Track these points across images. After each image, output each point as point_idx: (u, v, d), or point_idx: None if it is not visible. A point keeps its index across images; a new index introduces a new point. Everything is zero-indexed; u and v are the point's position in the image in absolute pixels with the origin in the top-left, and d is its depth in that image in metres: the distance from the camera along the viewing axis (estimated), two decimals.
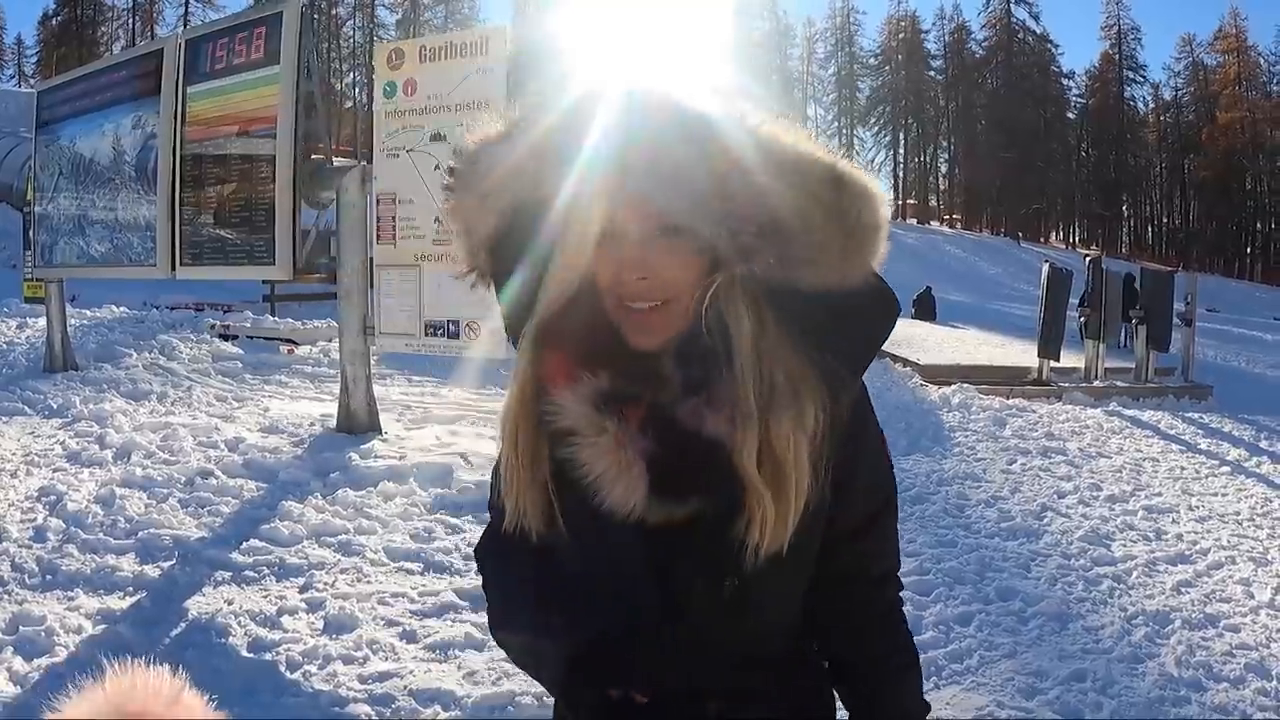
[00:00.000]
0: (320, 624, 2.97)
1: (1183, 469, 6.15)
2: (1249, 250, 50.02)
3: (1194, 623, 3.48)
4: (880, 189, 0.81)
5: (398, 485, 4.35)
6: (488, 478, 3.77)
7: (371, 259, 5.08)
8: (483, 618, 3.11)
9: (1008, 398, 8.09)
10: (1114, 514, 4.89)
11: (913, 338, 11.50)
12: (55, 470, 4.50)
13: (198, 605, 3.09)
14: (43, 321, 7.08)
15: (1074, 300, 9.78)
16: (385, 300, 4.98)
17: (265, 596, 3.18)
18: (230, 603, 3.11)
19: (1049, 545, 4.32)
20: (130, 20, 46.20)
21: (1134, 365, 9.86)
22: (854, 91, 53.61)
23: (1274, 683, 3.02)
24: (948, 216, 52.81)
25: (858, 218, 0.78)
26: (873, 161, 53.57)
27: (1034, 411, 7.63)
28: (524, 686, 2.62)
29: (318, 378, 7.39)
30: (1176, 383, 9.70)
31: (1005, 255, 41.42)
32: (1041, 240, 51.03)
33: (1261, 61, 49.34)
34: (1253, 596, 3.82)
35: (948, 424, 7.02)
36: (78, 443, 4.96)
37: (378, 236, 4.98)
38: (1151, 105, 52.52)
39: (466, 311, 4.77)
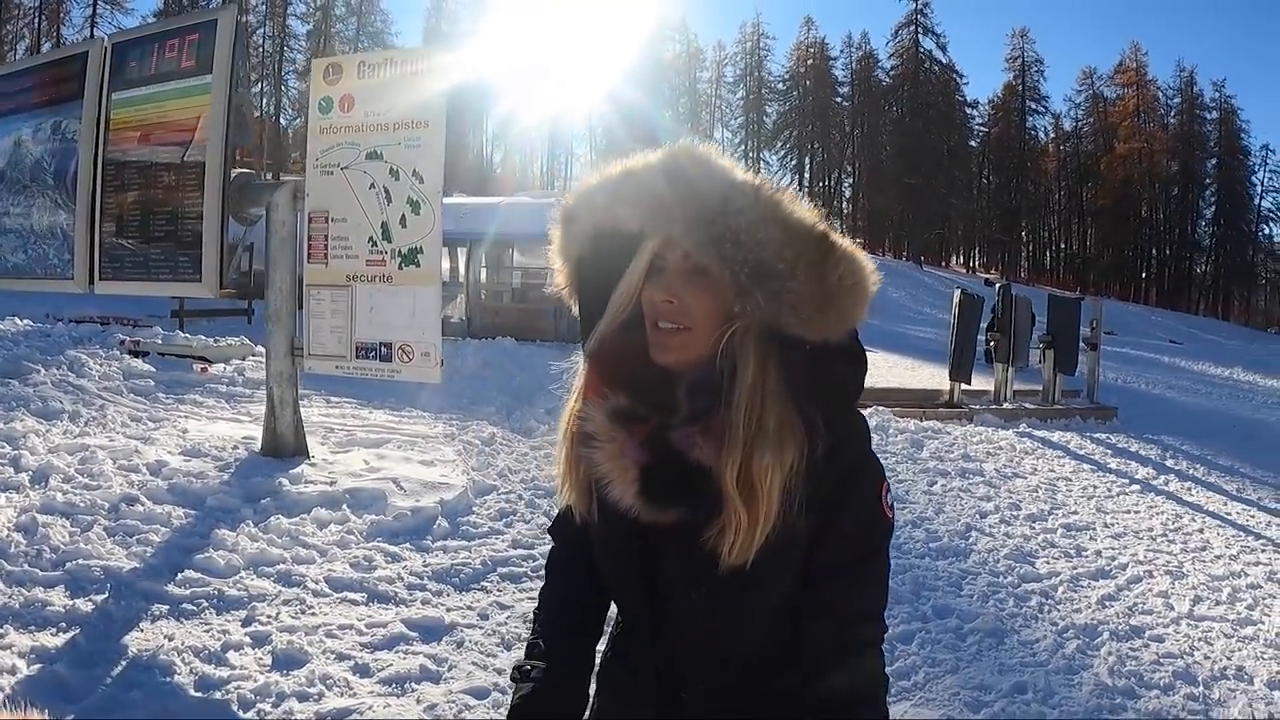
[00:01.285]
0: (269, 659, 2.97)
1: (1095, 488, 6.66)
2: (1144, 275, 54.10)
3: (1121, 634, 3.83)
4: (868, 261, 0.99)
5: (331, 512, 4.35)
6: (422, 503, 3.92)
7: (301, 278, 5.07)
8: (434, 649, 3.21)
9: (922, 420, 8.47)
10: (1035, 532, 5.28)
11: None
12: None
13: (137, 642, 3.03)
14: None
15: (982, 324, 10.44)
16: (315, 321, 4.97)
17: (208, 631, 3.14)
18: (171, 638, 3.05)
19: (977, 564, 4.63)
20: (36, 20, 44.18)
21: (1041, 388, 10.50)
22: (761, 115, 55.26)
23: (1201, 688, 3.37)
24: (851, 241, 54.90)
25: (839, 280, 0.94)
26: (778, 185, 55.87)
27: (949, 434, 8.05)
28: (487, 717, 2.74)
29: (234, 397, 7.21)
30: (1082, 404, 10.35)
31: (908, 279, 43.00)
32: (943, 265, 53.62)
33: (1160, 95, 53.49)
34: (1172, 608, 4.23)
35: None
36: None
37: (308, 255, 4.96)
38: (1052, 135, 56.11)
39: (399, 334, 4.81)
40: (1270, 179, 52.88)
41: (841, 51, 55.88)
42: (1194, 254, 53.79)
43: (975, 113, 56.42)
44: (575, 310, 1.09)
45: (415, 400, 7.55)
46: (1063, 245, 57.72)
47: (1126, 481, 6.98)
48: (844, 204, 57.30)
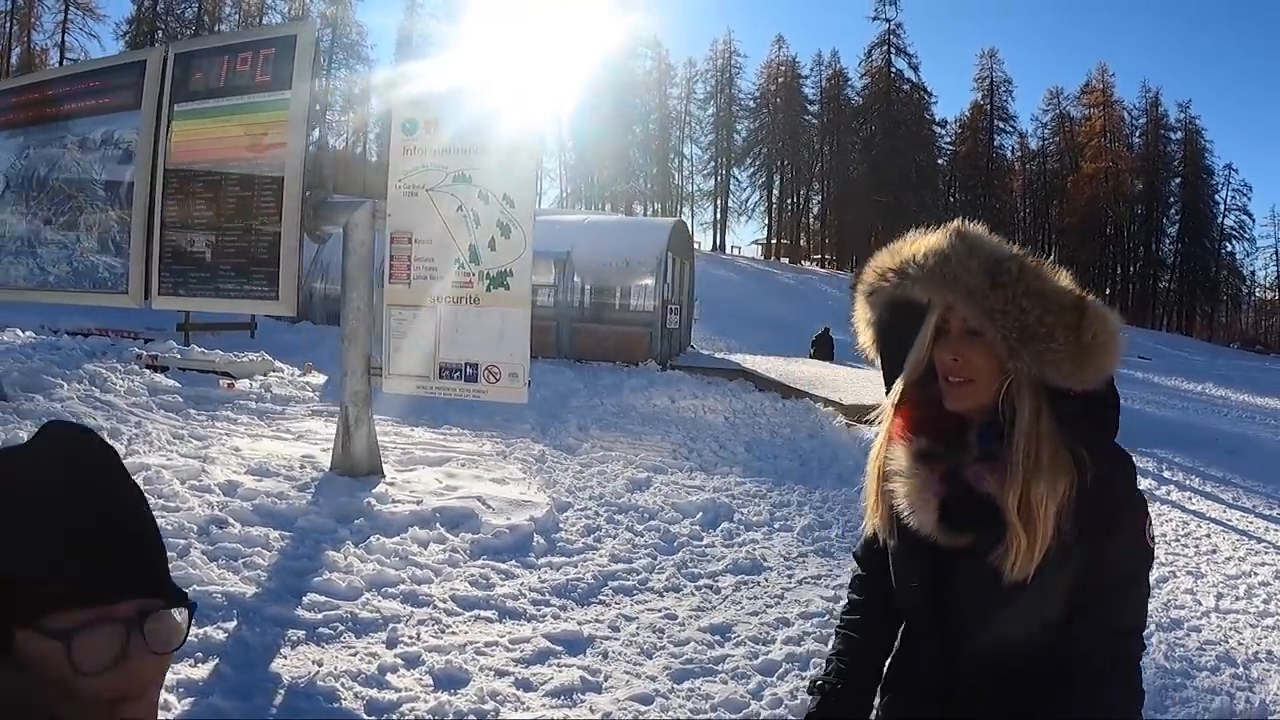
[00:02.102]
0: (430, 680, 3.09)
1: None
2: (1108, 292, 56.16)
3: (1164, 626, 4.31)
4: (1116, 318, 1.18)
5: (427, 531, 4.47)
6: (514, 521, 4.12)
7: (381, 298, 5.17)
8: (584, 660, 3.39)
9: None
10: None
11: (822, 378, 12.25)
12: None
13: (287, 669, 3.10)
14: None
15: None
16: (396, 341, 5.08)
17: (355, 655, 3.25)
18: (320, 664, 3.14)
19: None
20: (7, 24, 43.90)
21: None
22: (731, 132, 55.92)
23: (1241, 669, 3.90)
24: (818, 257, 56.10)
25: (1093, 338, 1.14)
26: (746, 202, 56.11)
27: None
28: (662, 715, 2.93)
29: (266, 414, 7.22)
30: None
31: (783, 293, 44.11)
32: None
33: (1126, 115, 55.52)
34: (1200, 603, 4.72)
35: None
36: None
37: (389, 275, 5.08)
38: (1018, 154, 57.94)
39: (485, 355, 4.96)
40: (1233, 197, 55.32)
41: (812, 70, 57.18)
42: (1158, 271, 55.84)
43: (943, 131, 58.06)
44: (879, 365, 1.34)
45: (447, 418, 7.64)
46: None
47: None
48: (811, 220, 58.44)
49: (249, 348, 9.83)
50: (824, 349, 16.57)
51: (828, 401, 10.28)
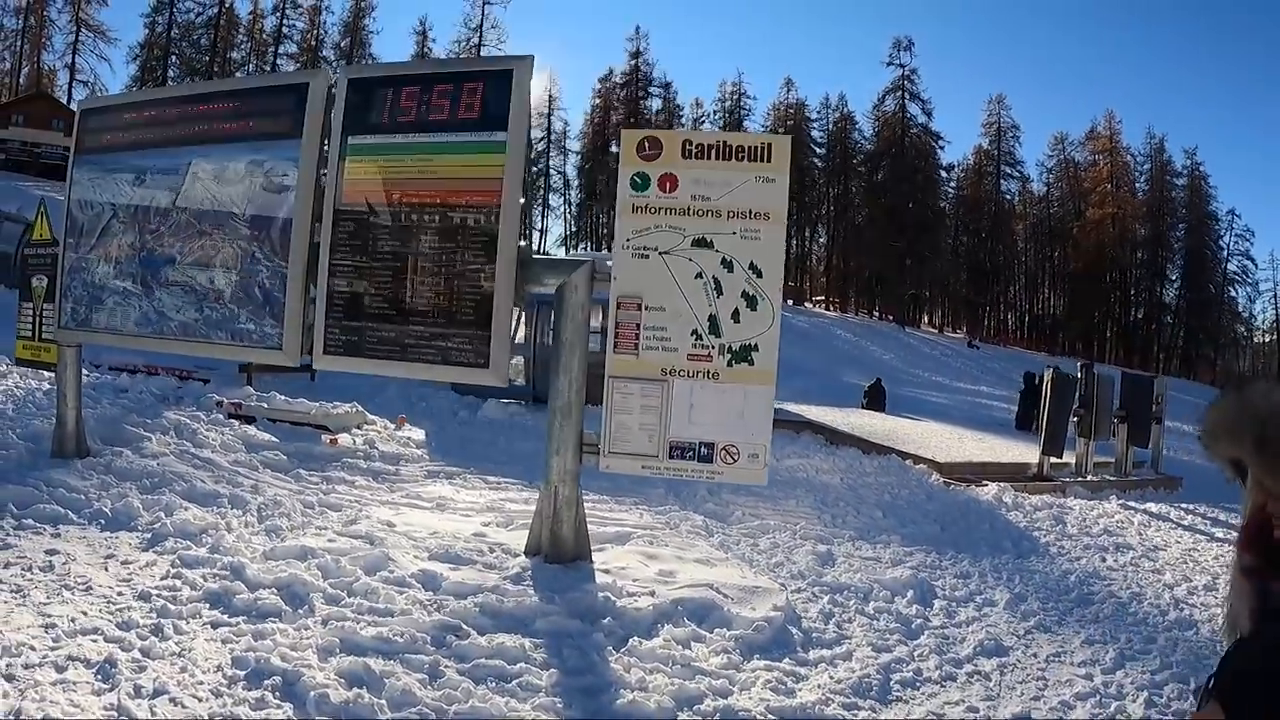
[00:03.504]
0: None
1: (1223, 556, 7.06)
2: (1109, 335, 58.14)
3: None
4: None
5: (680, 628, 4.14)
6: (760, 612, 3.89)
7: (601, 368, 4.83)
8: None
9: (1027, 493, 8.94)
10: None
11: (894, 432, 12.27)
12: (214, 625, 3.79)
13: None
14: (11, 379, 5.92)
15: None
16: (620, 417, 4.74)
17: None
18: None
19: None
20: (18, 44, 44.50)
21: (1115, 459, 11.26)
22: None
23: None
24: (822, 298, 57.13)
25: None
26: None
27: (1069, 507, 8.55)
28: None
29: (381, 476, 6.74)
30: (1151, 475, 11.24)
31: (894, 340, 45.00)
32: (916, 325, 56.12)
33: (1131, 161, 57.77)
34: None
35: (1020, 524, 7.67)
36: (201, 575, 4.26)
37: (615, 344, 4.76)
38: (1023, 198, 59.65)
39: (723, 434, 4.67)
40: (1236, 242, 57.76)
41: (819, 113, 58.68)
42: (1161, 315, 57.81)
43: (950, 175, 59.75)
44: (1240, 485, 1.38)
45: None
46: (1029, 307, 61.09)
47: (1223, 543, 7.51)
48: (815, 262, 59.38)
49: (308, 393, 9.23)
50: (876, 400, 16.88)
51: (917, 458, 10.25)
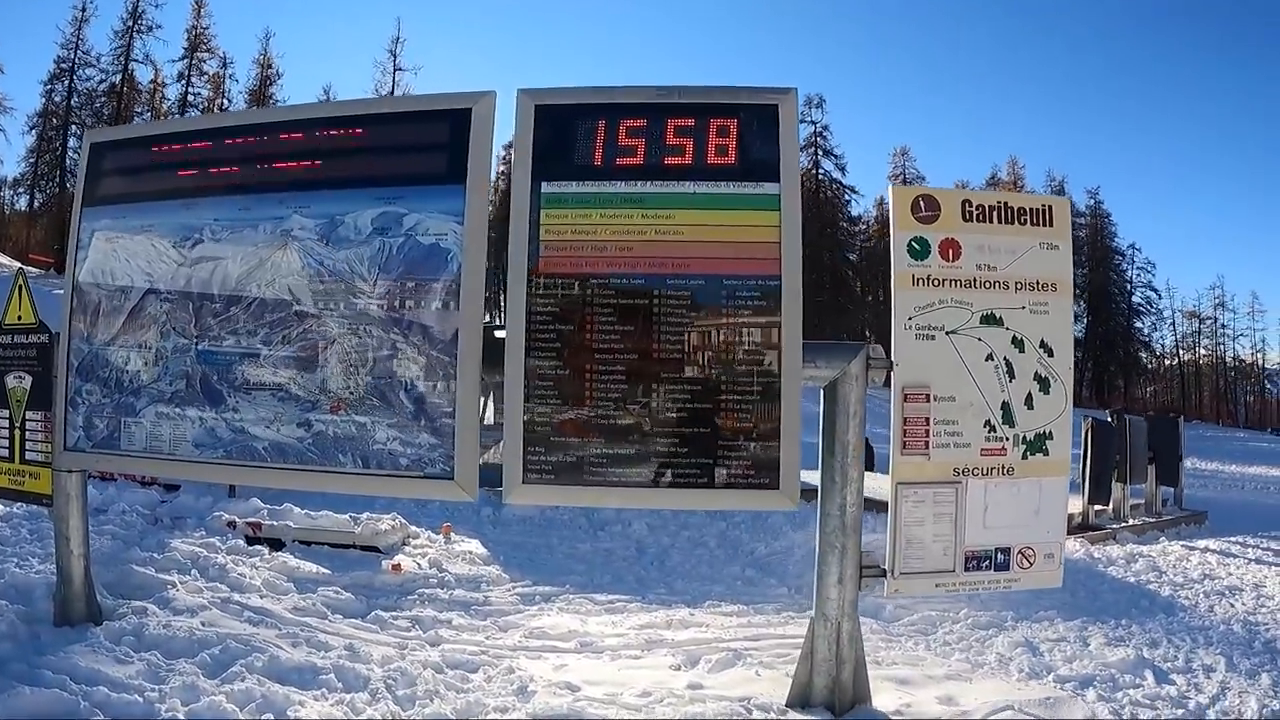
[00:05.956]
0: None
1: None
2: None
3: None
4: None
5: None
6: None
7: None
8: None
9: (1091, 545, 9.00)
10: None
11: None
12: None
13: None
14: None
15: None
16: (912, 530, 4.05)
17: None
18: None
19: None
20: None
21: (1143, 501, 11.84)
22: None
23: None
24: None
25: None
26: None
27: (1146, 554, 8.69)
28: None
29: (473, 607, 5.36)
30: (1178, 513, 11.93)
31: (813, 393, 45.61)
32: None
33: None
34: None
35: (1129, 579, 7.60)
36: None
37: (903, 445, 4.06)
38: None
39: (1018, 536, 4.16)
40: (1139, 275, 63.99)
41: None
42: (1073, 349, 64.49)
43: (857, 228, 61.51)
44: None
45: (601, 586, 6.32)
46: None
47: None
48: None
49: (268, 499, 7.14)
50: (866, 459, 16.84)
51: None
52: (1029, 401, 4.15)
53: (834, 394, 4.01)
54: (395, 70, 54.05)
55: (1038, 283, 4.18)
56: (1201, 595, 7.03)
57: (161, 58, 52.54)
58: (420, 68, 53.71)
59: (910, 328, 4.06)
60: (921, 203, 4.14)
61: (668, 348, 3.71)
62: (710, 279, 3.72)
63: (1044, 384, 4.17)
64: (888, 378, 4.09)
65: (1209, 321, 68.32)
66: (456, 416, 3.71)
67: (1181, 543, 10.00)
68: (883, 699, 4.22)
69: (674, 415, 3.69)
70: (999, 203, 4.20)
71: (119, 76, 49.20)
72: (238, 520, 6.14)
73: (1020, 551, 4.17)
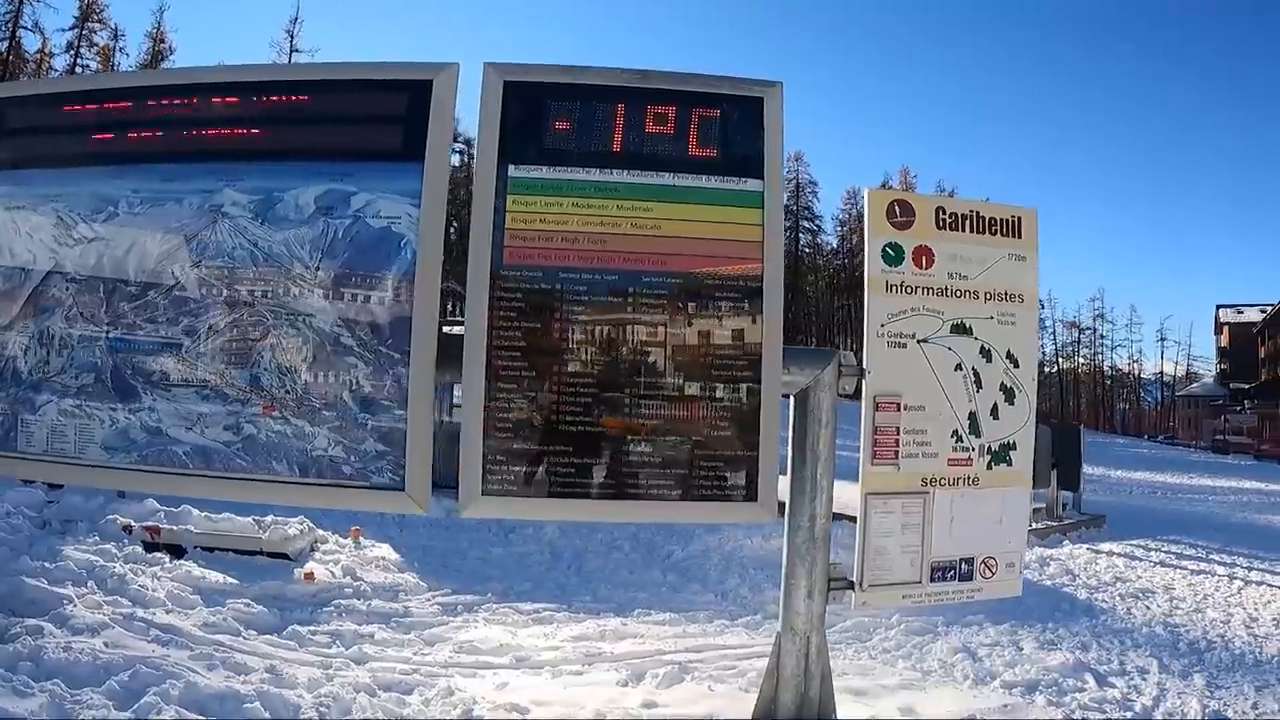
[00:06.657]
0: None
1: (1202, 585, 8.13)
2: None
3: None
4: None
5: None
6: None
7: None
8: None
9: None
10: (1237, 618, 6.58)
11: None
12: None
13: None
14: None
15: None
16: (880, 541, 3.97)
17: None
18: None
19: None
20: None
21: (1045, 505, 12.40)
22: None
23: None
24: None
25: None
26: None
27: (1057, 558, 9.11)
28: None
29: (393, 619, 5.04)
30: (1078, 516, 12.56)
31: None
32: None
33: None
34: None
35: (1045, 581, 7.94)
36: None
37: (873, 455, 3.96)
38: (813, 250, 64.15)
39: (981, 546, 4.15)
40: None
41: None
42: None
43: None
44: None
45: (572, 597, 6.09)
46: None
47: (1202, 574, 8.73)
48: None
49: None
50: None
51: None
52: (994, 412, 4.15)
53: (805, 402, 3.89)
54: (292, 52, 51.47)
55: (1006, 293, 4.18)
56: (1118, 598, 7.33)
57: (50, 26, 50.42)
58: (318, 49, 50.89)
59: (883, 335, 3.98)
60: (897, 208, 4.07)
61: (643, 349, 3.49)
62: (689, 277, 3.53)
63: (1009, 394, 4.18)
64: (857, 388, 4.00)
65: (1088, 332, 72.62)
66: (408, 421, 3.38)
67: (1086, 545, 10.49)
68: (845, 711, 4.14)
69: (647, 422, 3.48)
70: (971, 211, 4.18)
71: (5, 44, 46.54)
72: (134, 524, 5.58)
73: (984, 561, 4.17)
